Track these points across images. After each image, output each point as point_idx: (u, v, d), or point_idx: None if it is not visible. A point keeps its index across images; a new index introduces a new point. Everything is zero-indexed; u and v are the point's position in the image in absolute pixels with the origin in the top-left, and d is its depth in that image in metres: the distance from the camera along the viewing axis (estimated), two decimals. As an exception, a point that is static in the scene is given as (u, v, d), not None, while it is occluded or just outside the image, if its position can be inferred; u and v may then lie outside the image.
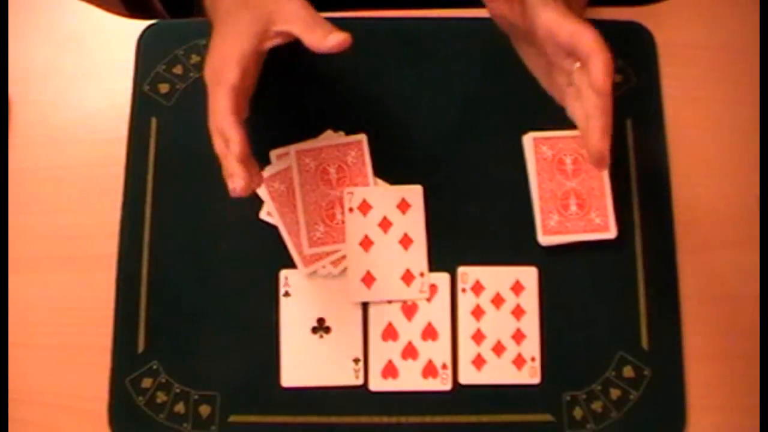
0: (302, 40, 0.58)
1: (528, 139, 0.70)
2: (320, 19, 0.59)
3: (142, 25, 0.74)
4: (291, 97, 0.71)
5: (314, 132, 0.70)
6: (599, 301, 0.68)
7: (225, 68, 0.59)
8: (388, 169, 0.69)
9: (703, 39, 0.73)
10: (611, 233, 0.67)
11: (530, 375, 0.66)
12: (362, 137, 0.69)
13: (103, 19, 0.75)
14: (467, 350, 0.66)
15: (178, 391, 0.66)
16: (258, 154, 0.61)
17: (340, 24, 0.72)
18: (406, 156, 0.70)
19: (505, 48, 0.72)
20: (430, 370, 0.66)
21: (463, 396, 0.66)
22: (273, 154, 0.69)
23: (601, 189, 0.68)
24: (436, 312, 0.67)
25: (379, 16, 0.74)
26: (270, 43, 0.61)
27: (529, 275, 0.67)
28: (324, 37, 0.57)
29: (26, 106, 0.72)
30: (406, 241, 0.67)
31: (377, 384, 0.66)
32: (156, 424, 0.65)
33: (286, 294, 0.67)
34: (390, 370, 0.66)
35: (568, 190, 0.69)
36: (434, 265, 0.67)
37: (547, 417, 0.65)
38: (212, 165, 0.70)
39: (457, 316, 0.67)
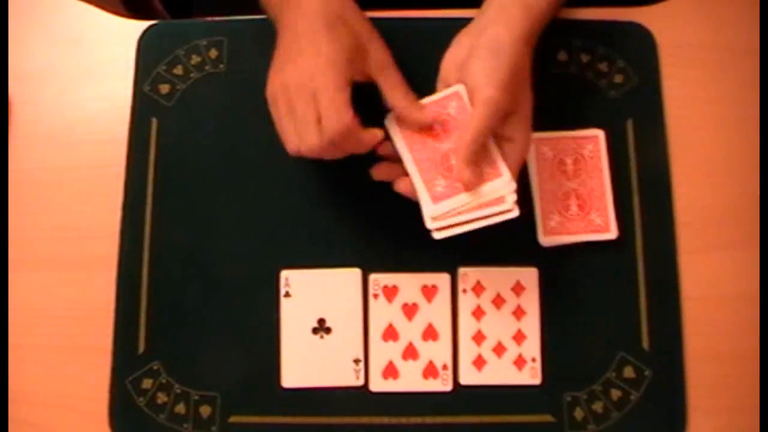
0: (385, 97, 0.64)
1: (528, 140, 0.70)
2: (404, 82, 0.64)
3: (142, 25, 0.74)
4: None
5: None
6: (599, 302, 0.68)
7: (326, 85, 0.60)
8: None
9: (703, 39, 0.73)
10: (612, 234, 0.68)
11: (531, 376, 0.66)
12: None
13: (103, 20, 0.75)
14: (468, 351, 0.66)
15: (178, 391, 0.66)
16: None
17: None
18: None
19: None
20: (430, 371, 0.66)
21: (464, 397, 0.66)
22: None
23: (602, 189, 0.68)
24: (437, 313, 0.67)
25: (380, 17, 0.74)
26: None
27: (529, 276, 0.67)
28: (413, 110, 0.63)
29: (26, 106, 0.72)
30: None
31: (378, 384, 0.66)
32: (156, 425, 0.65)
33: (287, 294, 0.67)
34: (390, 371, 0.66)
35: (568, 191, 0.69)
36: (435, 265, 0.67)
37: (548, 418, 0.65)
38: (212, 165, 0.70)
39: (458, 316, 0.67)
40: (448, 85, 0.64)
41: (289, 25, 0.63)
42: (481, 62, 0.62)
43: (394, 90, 0.64)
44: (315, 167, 0.70)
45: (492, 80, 0.61)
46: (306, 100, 0.60)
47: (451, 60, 0.65)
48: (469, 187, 0.62)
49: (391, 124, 0.65)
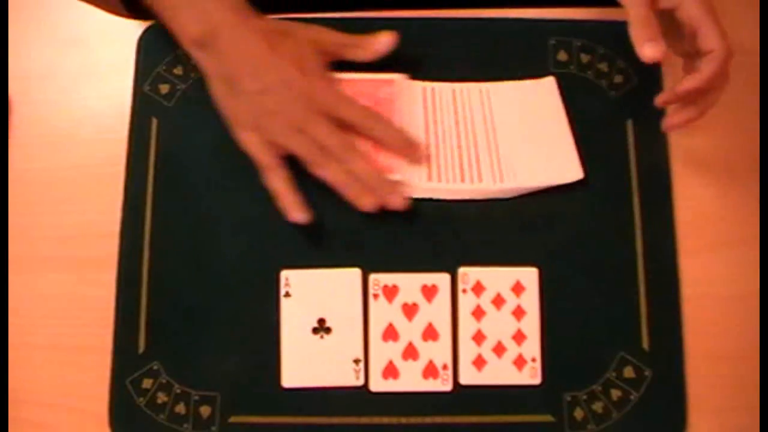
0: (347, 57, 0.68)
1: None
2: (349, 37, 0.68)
3: (142, 25, 0.74)
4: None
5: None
6: (599, 302, 0.67)
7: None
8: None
9: (703, 39, 0.73)
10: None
11: (531, 376, 0.66)
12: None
13: (103, 19, 0.75)
14: (468, 351, 0.66)
15: (178, 391, 0.66)
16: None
17: (338, 25, 0.73)
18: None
19: (502, 47, 0.73)
20: (430, 371, 0.66)
21: (464, 397, 0.66)
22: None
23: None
24: (437, 312, 0.67)
25: (380, 17, 0.74)
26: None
27: (529, 276, 0.67)
28: (367, 50, 0.68)
29: (26, 106, 0.72)
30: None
31: (378, 384, 0.66)
32: (156, 425, 0.65)
33: (287, 294, 0.67)
34: (390, 371, 0.66)
35: None
36: (435, 265, 0.67)
37: (548, 418, 0.65)
38: (212, 165, 0.70)
39: (458, 316, 0.67)
40: None
41: None
42: None
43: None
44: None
45: None
46: None
47: None
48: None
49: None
